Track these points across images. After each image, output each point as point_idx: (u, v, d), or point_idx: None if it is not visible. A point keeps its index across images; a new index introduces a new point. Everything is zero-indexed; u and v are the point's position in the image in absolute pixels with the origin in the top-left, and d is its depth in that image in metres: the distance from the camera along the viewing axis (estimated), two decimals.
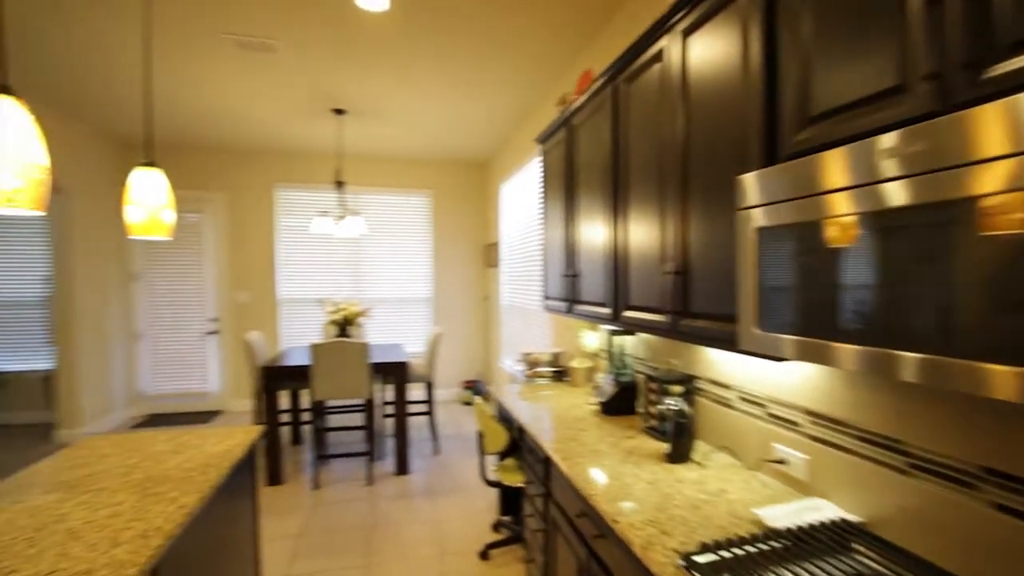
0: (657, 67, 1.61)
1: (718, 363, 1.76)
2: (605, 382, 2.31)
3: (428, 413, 4.15)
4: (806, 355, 0.94)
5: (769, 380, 1.52)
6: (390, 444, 4.28)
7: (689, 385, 1.84)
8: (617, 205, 1.90)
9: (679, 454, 1.63)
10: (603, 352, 2.67)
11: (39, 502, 1.37)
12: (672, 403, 1.68)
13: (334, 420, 5.03)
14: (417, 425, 4.91)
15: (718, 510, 1.31)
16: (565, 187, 2.46)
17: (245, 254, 5.36)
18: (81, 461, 1.67)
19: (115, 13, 2.56)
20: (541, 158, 2.87)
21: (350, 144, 4.99)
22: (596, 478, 1.52)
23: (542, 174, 2.84)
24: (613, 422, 2.09)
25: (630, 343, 2.40)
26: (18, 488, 1.46)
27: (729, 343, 1.26)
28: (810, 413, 1.37)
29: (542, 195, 2.85)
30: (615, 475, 1.54)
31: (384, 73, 3.29)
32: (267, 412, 3.48)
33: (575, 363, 2.81)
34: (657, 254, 1.62)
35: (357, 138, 4.78)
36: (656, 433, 1.88)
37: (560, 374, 2.99)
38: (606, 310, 2.00)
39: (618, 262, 1.90)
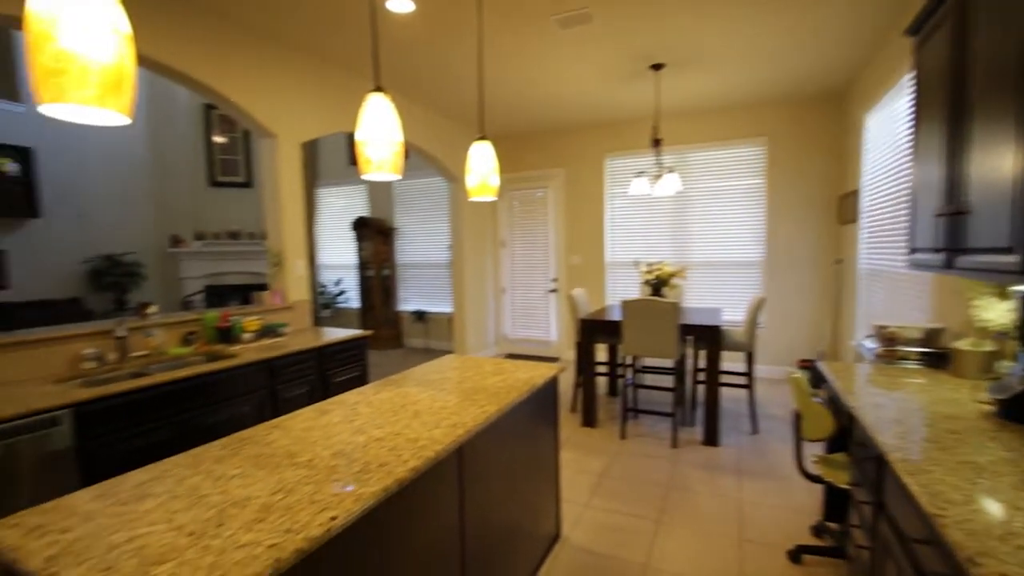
0: None
1: None
2: (1014, 373, 1.54)
3: (747, 387, 3.73)
4: None
5: None
6: (701, 413, 4.07)
7: None
8: None
9: None
10: (1014, 329, 1.78)
11: (408, 390, 1.89)
12: None
13: (648, 379, 5.14)
14: (734, 398, 4.50)
15: None
16: (949, 87, 1.70)
17: (579, 222, 5.96)
18: (439, 369, 2.23)
19: (462, 40, 3.19)
20: (914, 58, 2.07)
21: (670, 100, 4.82)
22: (954, 496, 1.03)
23: (914, 81, 2.05)
24: (1020, 433, 1.38)
25: None
26: (401, 380, 2.06)
27: None
28: None
29: (913, 111, 2.07)
30: (1000, 502, 1.01)
31: (700, 9, 3.00)
32: (584, 361, 3.84)
33: (963, 344, 1.98)
34: None
35: (677, 92, 4.57)
36: None
37: (937, 358, 2.17)
38: (1012, 258, 1.31)
39: None
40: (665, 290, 3.92)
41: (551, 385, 2.23)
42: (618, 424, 3.90)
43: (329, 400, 1.76)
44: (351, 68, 3.91)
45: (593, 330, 3.82)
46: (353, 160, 7.32)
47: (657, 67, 3.84)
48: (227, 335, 2.85)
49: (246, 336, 2.91)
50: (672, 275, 3.75)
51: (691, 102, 4.87)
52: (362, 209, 7.34)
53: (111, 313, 6.37)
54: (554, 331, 6.29)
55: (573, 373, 5.44)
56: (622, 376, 4.51)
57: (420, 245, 7.02)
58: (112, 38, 0.84)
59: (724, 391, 4.74)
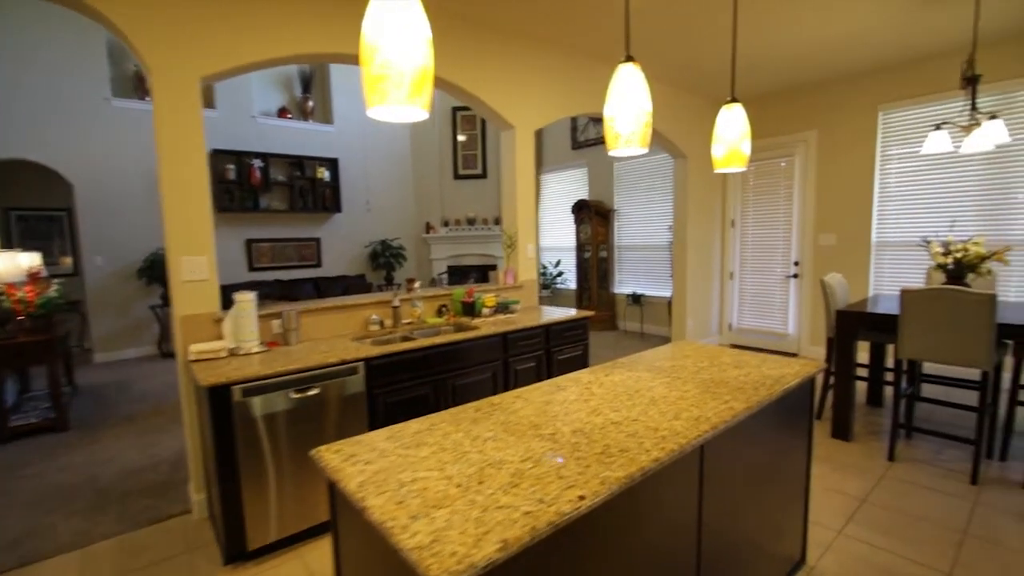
0: None
1: None
2: None
3: None
4: None
5: None
6: (1021, 445, 3.02)
7: None
8: None
9: None
10: None
11: (640, 375, 1.83)
12: None
13: (927, 391, 4.06)
14: None
15: None
16: None
17: (833, 194, 4.99)
18: (670, 356, 2.10)
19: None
20: None
21: (994, 22, 3.58)
22: None
23: None
24: None
25: None
26: (631, 364, 2.00)
27: None
28: None
29: None
30: None
31: None
32: (841, 360, 3.21)
33: None
34: None
35: (1008, 7, 3.37)
36: None
37: None
38: None
39: None
40: (971, 278, 2.99)
41: (806, 386, 1.90)
42: (884, 441, 3.17)
43: (563, 377, 1.81)
44: (579, 51, 3.95)
45: (854, 324, 3.16)
46: (576, 144, 7.49)
47: None
48: (470, 309, 3.21)
49: (485, 311, 3.23)
50: (985, 258, 2.83)
51: None
52: (582, 192, 7.49)
53: (383, 287, 7.91)
54: (792, 323, 5.45)
55: (821, 374, 4.64)
56: (891, 383, 3.65)
57: (639, 227, 6.84)
58: (418, 44, 0.97)
59: None
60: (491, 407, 1.49)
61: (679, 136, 5.07)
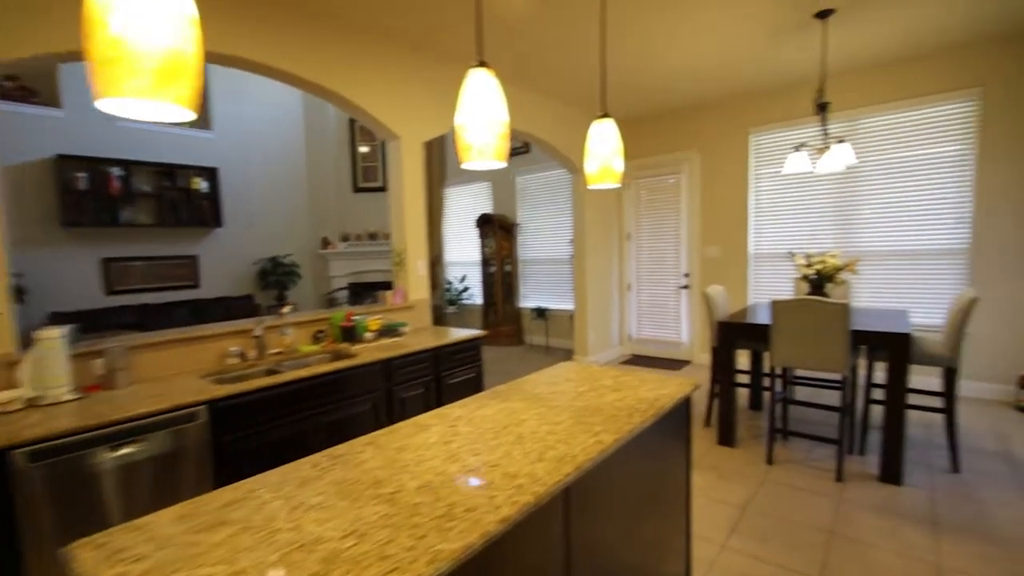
0: None
1: None
2: None
3: (945, 411, 2.92)
4: None
5: None
6: (876, 439, 3.31)
7: None
8: None
9: None
10: None
11: (514, 405, 1.69)
12: None
13: (801, 393, 4.38)
14: (924, 423, 3.61)
15: None
16: None
17: (716, 209, 5.31)
18: (551, 380, 2.00)
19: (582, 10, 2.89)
20: None
21: (839, 54, 3.98)
22: None
23: None
24: None
25: None
26: (508, 392, 1.86)
27: None
28: None
29: None
30: None
31: None
32: (722, 369, 3.33)
33: None
34: None
35: (849, 43, 3.75)
36: None
37: None
38: None
39: None
40: (829, 287, 3.24)
41: (682, 406, 1.87)
42: (763, 445, 3.33)
43: (430, 413, 1.63)
44: (468, 64, 3.85)
45: (733, 334, 3.30)
46: None
47: (824, 14, 3.16)
48: (351, 334, 2.94)
49: (368, 335, 2.97)
50: (840, 269, 3.07)
51: (868, 53, 3.96)
52: (486, 206, 7.41)
53: (273, 308, 7.25)
54: (685, 332, 5.71)
55: (708, 380, 4.86)
56: (768, 388, 3.88)
57: (542, 240, 6.87)
58: (167, 21, 0.75)
59: (911, 415, 3.83)
60: (332, 460, 1.27)
61: (574, 151, 5.15)
